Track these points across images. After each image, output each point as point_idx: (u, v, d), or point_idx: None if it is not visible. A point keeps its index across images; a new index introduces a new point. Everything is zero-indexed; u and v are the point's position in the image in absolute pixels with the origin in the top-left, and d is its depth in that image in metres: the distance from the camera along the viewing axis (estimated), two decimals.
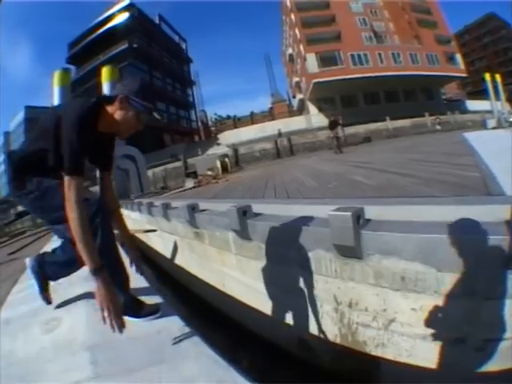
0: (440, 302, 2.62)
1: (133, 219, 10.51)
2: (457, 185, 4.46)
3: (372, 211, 3.24)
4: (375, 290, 2.95)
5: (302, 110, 47.09)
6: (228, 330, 4.91)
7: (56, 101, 17.94)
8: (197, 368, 1.70)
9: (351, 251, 2.90)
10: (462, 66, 41.44)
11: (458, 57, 41.81)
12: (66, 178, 1.77)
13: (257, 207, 4.37)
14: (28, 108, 49.83)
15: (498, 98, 27.23)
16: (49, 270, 2.69)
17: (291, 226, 3.43)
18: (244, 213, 3.91)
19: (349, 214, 2.73)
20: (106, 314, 1.69)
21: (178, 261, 6.81)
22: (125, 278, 2.47)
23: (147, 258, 9.38)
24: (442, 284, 2.54)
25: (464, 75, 41.86)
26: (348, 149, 20.20)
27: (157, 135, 41.40)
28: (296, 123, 39.89)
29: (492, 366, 2.64)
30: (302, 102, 45.95)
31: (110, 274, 1.94)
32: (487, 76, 27.90)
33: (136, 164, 16.26)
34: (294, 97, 52.81)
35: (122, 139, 2.38)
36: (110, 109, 1.99)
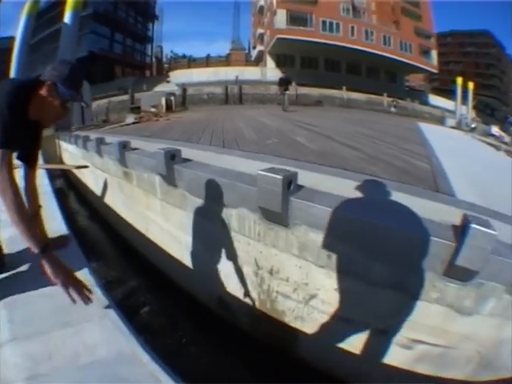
0: (366, 288, 2.51)
1: (70, 152, 9.94)
2: (403, 170, 4.34)
3: (307, 177, 3.05)
4: (298, 261, 2.82)
5: (259, 61, 45.64)
6: (149, 278, 4.75)
7: (20, 30, 17.29)
8: (99, 334, 1.63)
9: (277, 217, 2.71)
10: (435, 62, 41.76)
11: (434, 53, 41.63)
12: None
13: (188, 152, 4.13)
14: None
15: (464, 103, 27.80)
16: None
17: (218, 179, 3.19)
18: (172, 157, 3.63)
19: (279, 177, 2.51)
20: (72, 292, 1.57)
21: (107, 200, 6.48)
22: None
23: (79, 194, 9.10)
24: (371, 271, 2.43)
25: (434, 71, 42.09)
26: (297, 108, 19.34)
27: (108, 66, 39.32)
28: (250, 73, 38.24)
29: (420, 368, 2.60)
30: (261, 53, 44.24)
31: None
32: (459, 80, 28.28)
33: (81, 94, 15.53)
34: (254, 47, 50.85)
35: (45, 127, 2.10)
36: (40, 93, 1.80)
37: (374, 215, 2.40)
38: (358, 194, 2.92)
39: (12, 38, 18.34)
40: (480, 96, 36.15)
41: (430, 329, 2.37)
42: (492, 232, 1.90)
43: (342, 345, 2.83)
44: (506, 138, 16.60)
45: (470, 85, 29.04)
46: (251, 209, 2.91)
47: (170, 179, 3.73)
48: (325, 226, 2.49)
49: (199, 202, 3.45)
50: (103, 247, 6.16)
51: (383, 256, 2.32)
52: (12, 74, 16.97)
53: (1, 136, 1.61)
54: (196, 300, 4.05)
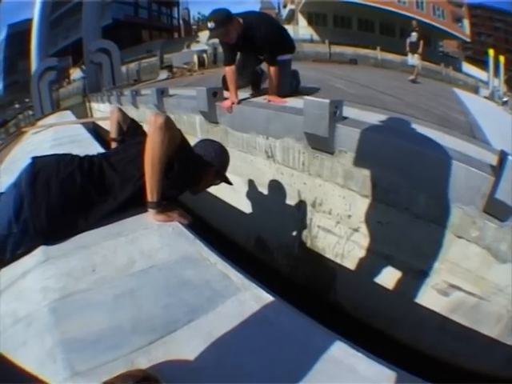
0: (409, 221, 2.44)
1: (101, 111, 10.11)
2: (441, 117, 4.28)
3: (349, 113, 2.93)
4: (342, 191, 2.79)
5: (290, 20, 44.55)
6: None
7: (37, 9, 18.06)
8: (159, 240, 1.49)
9: (323, 143, 2.69)
10: (467, 31, 40.13)
11: (466, 22, 40.15)
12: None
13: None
14: (11, 25, 45.95)
15: (496, 75, 26.72)
16: None
17: (262, 111, 3.19)
18: (214, 94, 3.63)
19: (327, 101, 2.50)
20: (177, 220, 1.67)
21: None
22: None
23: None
24: (415, 202, 2.37)
25: (467, 39, 40.51)
26: (331, 64, 18.93)
27: (135, 31, 39.08)
28: None
29: (454, 317, 2.45)
30: (292, 12, 43.23)
31: None
32: (491, 51, 27.01)
33: (110, 57, 15.76)
34: (285, 6, 49.49)
35: (195, 192, 2.11)
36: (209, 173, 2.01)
37: (419, 144, 2.36)
38: (402, 129, 2.89)
39: (30, 20, 19.12)
40: (511, 72, 34.46)
41: (467, 273, 2.30)
42: None
43: (380, 282, 2.78)
44: None
45: (502, 58, 27.64)
46: (296, 138, 2.90)
47: (211, 116, 3.74)
48: (371, 153, 2.47)
49: (241, 136, 3.46)
50: None
51: (428, 186, 2.28)
52: (33, 50, 17.80)
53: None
54: (233, 242, 4.05)
